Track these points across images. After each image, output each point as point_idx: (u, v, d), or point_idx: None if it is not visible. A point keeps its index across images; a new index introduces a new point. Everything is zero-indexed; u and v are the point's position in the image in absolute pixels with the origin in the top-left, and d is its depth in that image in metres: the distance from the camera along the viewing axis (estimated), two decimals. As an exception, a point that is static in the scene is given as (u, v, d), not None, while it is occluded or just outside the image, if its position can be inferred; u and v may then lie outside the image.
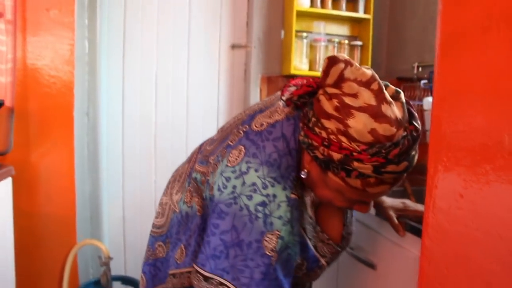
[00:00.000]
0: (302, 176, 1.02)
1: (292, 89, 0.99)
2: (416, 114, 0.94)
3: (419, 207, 1.32)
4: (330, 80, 0.92)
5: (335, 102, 0.90)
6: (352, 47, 2.51)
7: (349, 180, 0.92)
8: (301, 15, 2.41)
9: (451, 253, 0.57)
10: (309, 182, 1.04)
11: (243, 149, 1.02)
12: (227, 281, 0.97)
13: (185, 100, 2.49)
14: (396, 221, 1.29)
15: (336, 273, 1.70)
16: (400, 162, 0.88)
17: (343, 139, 0.88)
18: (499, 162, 0.50)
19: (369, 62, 2.48)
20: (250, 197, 0.96)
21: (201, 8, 2.47)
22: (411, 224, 1.29)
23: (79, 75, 2.02)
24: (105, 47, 2.29)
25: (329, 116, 0.90)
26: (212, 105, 2.55)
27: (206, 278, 0.99)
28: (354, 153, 0.87)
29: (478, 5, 0.50)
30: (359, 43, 2.53)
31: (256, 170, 0.98)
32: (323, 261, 1.14)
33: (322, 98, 0.93)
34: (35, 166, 1.88)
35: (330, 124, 0.90)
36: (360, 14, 2.49)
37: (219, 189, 1.01)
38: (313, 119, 0.94)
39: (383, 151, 0.86)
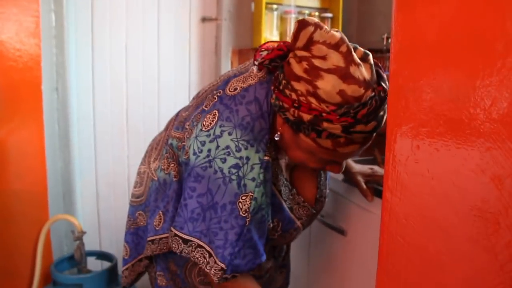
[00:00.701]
0: (276, 138, 1.04)
1: (264, 53, 1.01)
2: (384, 76, 0.96)
3: (387, 172, 1.36)
4: (300, 43, 0.93)
5: (305, 64, 0.92)
6: (322, 19, 2.52)
7: (320, 141, 0.95)
8: (272, -13, 2.39)
9: (409, 203, 0.60)
10: (282, 144, 1.06)
11: (217, 113, 1.04)
12: (205, 244, 1.01)
13: (156, 74, 2.46)
14: (364, 186, 1.32)
15: (308, 241, 1.73)
16: (369, 122, 0.91)
17: (312, 100, 0.90)
18: (452, 115, 0.52)
19: (340, 34, 2.49)
20: (224, 160, 0.98)
21: (170, -19, 2.43)
22: (379, 189, 1.32)
23: (46, 49, 1.97)
24: (72, 20, 2.23)
25: (298, 78, 0.92)
26: (184, 78, 2.53)
27: (185, 241, 1.02)
28: (324, 114, 0.90)
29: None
30: (330, 15, 2.53)
31: (229, 134, 1.00)
32: (298, 223, 1.17)
33: (292, 61, 0.95)
34: (3, 143, 1.84)
35: (300, 86, 0.92)
36: (331, -14, 2.49)
37: (194, 153, 1.03)
38: (284, 81, 0.95)
39: (351, 111, 0.89)
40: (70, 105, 2.22)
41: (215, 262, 0.99)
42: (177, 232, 1.04)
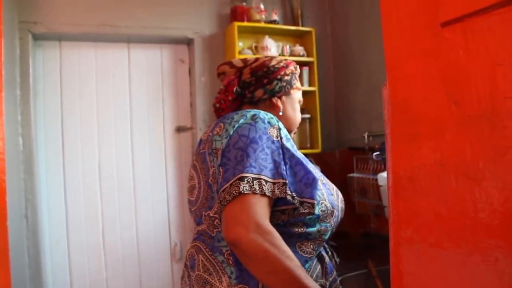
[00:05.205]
0: (280, 114, 1.27)
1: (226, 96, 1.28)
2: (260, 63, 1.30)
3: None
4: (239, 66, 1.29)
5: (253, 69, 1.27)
6: (301, 120, 2.49)
7: (295, 83, 1.32)
8: (246, 92, 2.38)
9: None
10: (284, 116, 1.29)
11: (221, 124, 1.15)
12: (256, 174, 1.04)
13: (132, 190, 2.36)
14: None
15: None
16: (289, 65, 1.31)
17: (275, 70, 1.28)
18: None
19: (319, 133, 2.46)
20: (244, 117, 1.12)
21: (142, 92, 2.41)
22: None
23: (13, 176, 1.87)
24: (42, 142, 2.17)
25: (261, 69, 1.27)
26: (161, 191, 2.43)
27: (241, 178, 1.03)
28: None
29: (431, 151, 0.50)
30: (307, 115, 2.51)
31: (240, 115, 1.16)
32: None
33: (248, 77, 1.26)
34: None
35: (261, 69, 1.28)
36: (306, 87, 2.49)
37: (216, 143, 1.12)
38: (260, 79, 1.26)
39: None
40: (41, 231, 2.09)
41: (273, 183, 1.05)
42: (234, 180, 1.03)
